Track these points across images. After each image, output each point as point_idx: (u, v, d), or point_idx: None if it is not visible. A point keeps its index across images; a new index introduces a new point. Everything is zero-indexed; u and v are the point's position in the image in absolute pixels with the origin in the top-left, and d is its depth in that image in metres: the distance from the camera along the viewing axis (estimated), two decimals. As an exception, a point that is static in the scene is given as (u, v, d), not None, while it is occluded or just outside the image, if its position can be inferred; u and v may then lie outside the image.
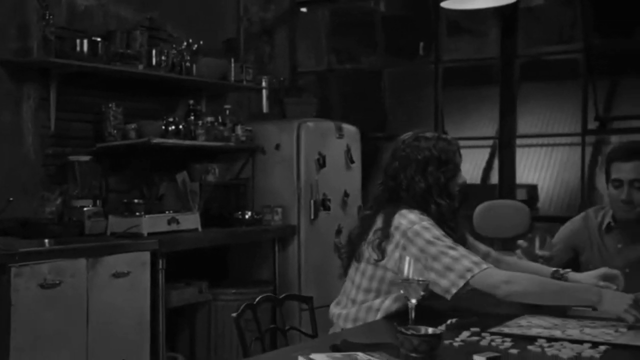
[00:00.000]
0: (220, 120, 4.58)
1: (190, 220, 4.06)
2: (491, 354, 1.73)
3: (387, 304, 2.21)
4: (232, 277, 4.76)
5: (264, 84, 5.03)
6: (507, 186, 5.34)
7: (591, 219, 2.63)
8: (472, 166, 5.83)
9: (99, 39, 3.79)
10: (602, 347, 1.82)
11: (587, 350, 1.79)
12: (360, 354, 1.65)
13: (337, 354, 1.66)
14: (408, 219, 2.15)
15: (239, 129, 4.62)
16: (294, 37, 5.83)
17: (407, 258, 1.96)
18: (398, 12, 5.85)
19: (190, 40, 4.36)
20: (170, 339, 4.02)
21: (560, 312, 2.24)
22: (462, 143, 6.58)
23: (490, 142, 5.65)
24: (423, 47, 5.66)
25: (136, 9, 4.34)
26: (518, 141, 5.30)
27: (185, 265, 4.09)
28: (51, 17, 3.59)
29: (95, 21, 4.05)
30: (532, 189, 5.68)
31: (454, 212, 2.22)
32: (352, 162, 5.10)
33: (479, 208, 4.88)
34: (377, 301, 2.23)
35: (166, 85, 4.37)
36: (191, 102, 4.40)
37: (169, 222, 3.88)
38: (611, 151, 2.61)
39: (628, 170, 2.46)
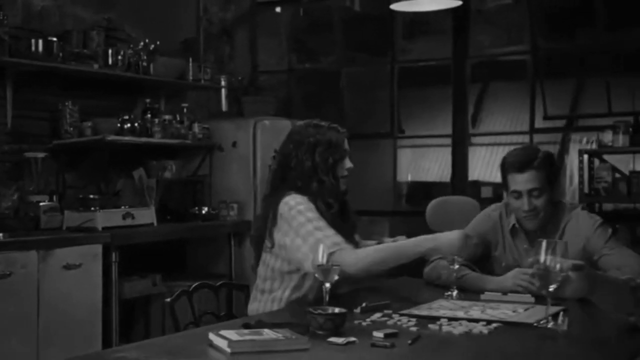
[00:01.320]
0: (178, 118, 4.74)
1: (146, 215, 4.21)
2: (389, 331, 1.91)
3: (287, 294, 2.39)
4: (190, 271, 4.92)
5: (222, 83, 5.19)
6: (460, 183, 5.55)
7: (503, 218, 2.76)
8: (437, 164, 6.03)
9: (54, 39, 3.93)
10: (494, 325, 2.01)
11: (478, 327, 1.97)
12: (266, 330, 1.81)
13: (245, 331, 1.83)
14: (288, 205, 2.34)
15: (196, 127, 4.77)
16: (254, 37, 5.99)
17: (322, 245, 2.14)
18: (356, 13, 6.02)
19: (147, 40, 4.50)
20: (126, 330, 4.16)
21: (475, 297, 2.44)
22: (420, 141, 6.76)
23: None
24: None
25: (94, 9, 4.47)
26: (477, 140, 5.51)
27: (143, 260, 4.25)
28: (6, 17, 3.73)
29: (52, 21, 4.19)
30: (498, 187, 5.90)
31: (336, 191, 2.40)
32: (309, 159, 5.27)
33: (431, 204, 5.06)
34: (279, 292, 2.40)
35: (124, 84, 4.51)
36: (148, 100, 4.55)
37: (124, 217, 4.03)
38: (505, 162, 2.63)
39: (524, 182, 2.54)
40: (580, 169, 4.66)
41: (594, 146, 4.63)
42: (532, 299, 2.40)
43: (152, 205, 4.33)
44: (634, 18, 4.90)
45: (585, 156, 4.67)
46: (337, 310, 1.96)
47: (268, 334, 1.78)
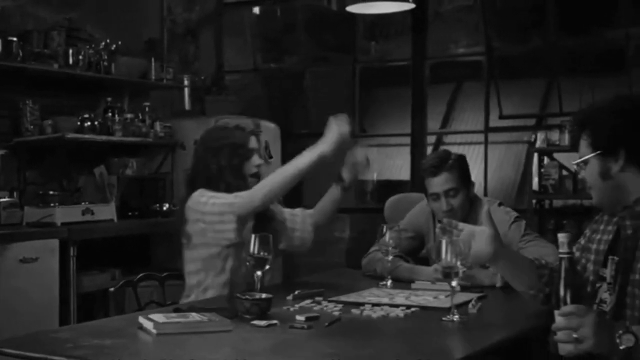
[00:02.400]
0: (140, 117, 4.85)
1: (106, 211, 4.32)
2: (311, 314, 2.05)
3: (213, 280, 2.53)
4: (153, 266, 5.03)
5: (185, 82, 5.30)
6: (420, 180, 5.69)
7: (432, 212, 2.92)
8: (402, 162, 6.18)
9: (14, 39, 4.03)
10: (412, 310, 2.15)
11: (396, 312, 2.11)
12: (193, 314, 1.94)
13: (173, 314, 1.96)
14: (192, 199, 2.49)
15: (157, 126, 4.88)
16: (220, 37, 6.11)
17: (253, 235, 2.27)
18: (320, 14, 6.16)
19: (108, 40, 4.61)
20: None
21: (407, 286, 2.59)
22: (385, 140, 6.89)
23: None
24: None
25: (55, 9, 4.57)
26: (449, 139, 5.68)
27: (105, 255, 4.35)
28: (-34, 17, 3.83)
29: (13, 21, 4.28)
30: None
31: (244, 190, 2.52)
32: (271, 157, 5.39)
33: (389, 201, 5.20)
34: (207, 280, 2.55)
35: (86, 83, 4.61)
36: (109, 99, 4.65)
37: (83, 213, 4.14)
38: (422, 168, 2.82)
39: (439, 184, 2.72)
40: (529, 166, 4.83)
41: (544, 145, 4.80)
42: (458, 287, 2.55)
43: (112, 202, 4.44)
44: (583, 21, 5.08)
45: (536, 154, 4.84)
46: (264, 295, 2.10)
47: (194, 317, 1.91)
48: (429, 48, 5.55)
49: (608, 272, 1.90)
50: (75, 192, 4.49)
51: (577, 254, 2.00)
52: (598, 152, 1.89)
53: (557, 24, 5.24)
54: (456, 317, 2.00)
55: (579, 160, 1.96)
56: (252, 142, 2.64)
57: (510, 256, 2.04)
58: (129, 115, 4.76)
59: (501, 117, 5.43)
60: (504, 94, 5.37)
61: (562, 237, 1.59)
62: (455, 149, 2.97)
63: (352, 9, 4.47)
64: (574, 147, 2.01)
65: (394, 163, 6.23)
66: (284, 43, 6.31)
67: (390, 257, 2.69)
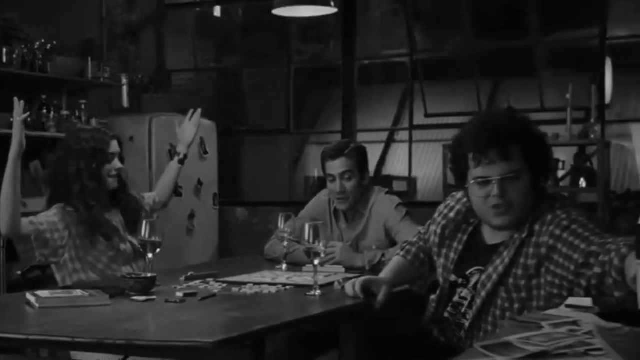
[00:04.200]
0: (77, 114, 4.97)
1: (38, 204, 4.43)
2: (189, 291, 2.23)
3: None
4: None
5: (123, 81, 5.44)
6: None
7: (331, 203, 3.12)
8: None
9: (-53, 38, 4.13)
10: (285, 287, 2.34)
11: (269, 289, 2.31)
12: (77, 290, 2.11)
13: (59, 291, 2.12)
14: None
15: (93, 122, 5.00)
16: (161, 37, 6.25)
17: (144, 222, 2.44)
18: (257, 16, 6.33)
19: (43, 40, 4.73)
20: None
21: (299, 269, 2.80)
22: (324, 138, 7.04)
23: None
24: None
25: (-8, 10, 4.68)
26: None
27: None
28: None
29: (-53, 21, 4.39)
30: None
31: (101, 192, 2.69)
32: (206, 153, 5.55)
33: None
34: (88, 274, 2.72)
35: (22, 82, 4.72)
36: (44, 97, 4.77)
37: (16, 205, 4.26)
38: (322, 153, 3.03)
39: (337, 167, 2.94)
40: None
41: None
42: (343, 269, 2.77)
43: (46, 195, 4.55)
44: (497, 28, 5.34)
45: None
46: (149, 275, 2.27)
47: (76, 293, 2.08)
48: (358, 50, 5.76)
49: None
50: (10, 186, 4.59)
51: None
52: None
53: (475, 29, 5.49)
54: (318, 292, 2.19)
55: None
56: (113, 147, 2.77)
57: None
58: (65, 112, 4.88)
59: (426, 115, 5.66)
60: (430, 93, 5.61)
61: None
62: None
63: (278, 12, 4.66)
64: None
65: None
66: (223, 44, 6.48)
67: (286, 243, 2.88)
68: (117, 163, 2.76)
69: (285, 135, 6.14)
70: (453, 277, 2.05)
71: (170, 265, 4.94)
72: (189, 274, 2.57)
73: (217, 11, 6.44)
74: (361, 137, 5.88)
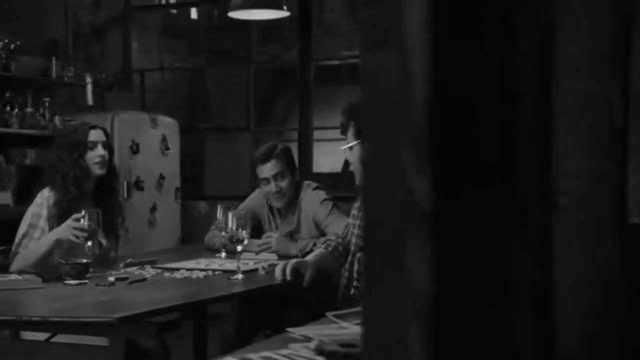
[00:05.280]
0: (41, 111, 5.04)
1: (3, 197, 4.52)
2: (121, 275, 2.34)
3: None
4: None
5: (88, 80, 5.50)
6: (306, 173, 6.02)
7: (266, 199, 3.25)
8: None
9: None
10: (214, 273, 2.45)
11: (198, 274, 2.42)
12: (14, 275, 2.20)
13: (-4, 275, 2.22)
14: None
15: (57, 119, 5.08)
16: (127, 38, 6.32)
17: (83, 211, 2.54)
18: (218, 18, 6.42)
19: (7, 40, 4.78)
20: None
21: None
22: (285, 136, 7.10)
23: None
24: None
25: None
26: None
27: (3, 237, 4.54)
28: None
29: None
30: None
31: (82, 180, 2.79)
32: (168, 149, 5.64)
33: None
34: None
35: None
36: (7, 94, 4.83)
37: (-22, 199, 4.34)
38: (254, 157, 3.19)
39: (268, 170, 3.07)
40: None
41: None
42: (275, 257, 2.88)
43: (9, 189, 4.62)
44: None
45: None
46: (84, 260, 2.37)
47: (11, 277, 2.17)
48: (314, 51, 5.87)
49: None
50: (-25, 180, 4.66)
51: (356, 229, 2.33)
52: (360, 140, 2.23)
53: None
54: (240, 276, 2.30)
55: (346, 146, 2.28)
56: (92, 136, 2.87)
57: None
58: (29, 110, 4.94)
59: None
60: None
61: None
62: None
63: (234, 14, 4.76)
64: (343, 134, 2.34)
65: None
66: (188, 44, 6.56)
67: (224, 233, 2.98)
68: (99, 150, 2.85)
69: (246, 133, 6.23)
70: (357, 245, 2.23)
71: (132, 256, 5.07)
72: (128, 260, 2.68)
73: (182, 13, 6.52)
74: (318, 134, 5.99)
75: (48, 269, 2.40)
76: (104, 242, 2.65)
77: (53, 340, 2.03)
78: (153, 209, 5.49)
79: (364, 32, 0.46)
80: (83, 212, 2.51)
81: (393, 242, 0.45)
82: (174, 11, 6.55)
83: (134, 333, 1.67)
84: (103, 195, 2.86)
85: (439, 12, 0.44)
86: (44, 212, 2.68)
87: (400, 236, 0.44)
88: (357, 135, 2.25)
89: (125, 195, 5.26)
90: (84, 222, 2.50)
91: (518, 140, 0.48)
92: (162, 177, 5.58)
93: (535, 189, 0.49)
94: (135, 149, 5.35)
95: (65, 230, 2.47)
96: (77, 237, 2.41)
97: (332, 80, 6.06)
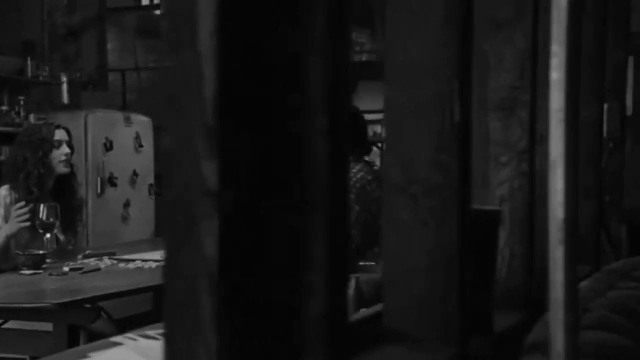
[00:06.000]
0: (16, 109, 5.07)
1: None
2: (76, 266, 2.39)
3: None
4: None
5: (63, 79, 5.54)
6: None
7: None
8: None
9: None
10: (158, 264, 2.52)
11: (151, 264, 2.48)
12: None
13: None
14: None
15: (32, 117, 5.11)
16: (103, 38, 6.35)
17: (41, 205, 2.59)
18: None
19: (-18, 41, 4.82)
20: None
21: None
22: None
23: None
24: None
25: None
26: None
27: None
28: None
29: None
30: None
31: (46, 178, 2.83)
32: (141, 146, 5.68)
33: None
34: None
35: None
36: (-18, 93, 4.87)
37: (-48, 194, 4.35)
38: None
39: None
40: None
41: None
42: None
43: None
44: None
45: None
46: (41, 252, 2.42)
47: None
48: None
49: None
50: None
51: None
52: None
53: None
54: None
55: None
56: (58, 135, 2.91)
57: None
58: (4, 108, 4.98)
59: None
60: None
61: None
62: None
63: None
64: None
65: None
66: (162, 45, 6.60)
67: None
68: (65, 148, 2.88)
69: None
70: None
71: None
72: (87, 252, 2.73)
73: (157, 14, 6.57)
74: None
75: (6, 260, 2.44)
76: (61, 237, 2.70)
77: (5, 326, 2.09)
78: (126, 204, 5.53)
79: (165, 37, 0.53)
80: (41, 206, 2.56)
81: (189, 218, 0.52)
82: (149, 12, 6.59)
83: (74, 318, 1.73)
84: (64, 193, 2.90)
85: (225, 23, 0.51)
86: (0, 211, 2.71)
87: (195, 213, 0.51)
88: None
89: (98, 191, 5.31)
90: (42, 215, 2.55)
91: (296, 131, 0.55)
92: (135, 173, 5.62)
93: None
94: (108, 146, 5.39)
95: (12, 224, 2.52)
96: (22, 221, 2.44)
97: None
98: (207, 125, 0.49)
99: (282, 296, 0.52)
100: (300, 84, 0.53)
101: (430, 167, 0.83)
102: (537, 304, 1.00)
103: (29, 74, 5.20)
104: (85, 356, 0.86)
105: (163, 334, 0.52)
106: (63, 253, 2.65)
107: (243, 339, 0.50)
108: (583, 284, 1.39)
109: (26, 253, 2.41)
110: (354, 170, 2.25)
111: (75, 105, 5.65)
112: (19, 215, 2.49)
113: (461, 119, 0.82)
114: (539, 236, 1.13)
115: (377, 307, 0.91)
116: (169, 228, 0.52)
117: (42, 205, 2.59)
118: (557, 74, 0.58)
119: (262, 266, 0.51)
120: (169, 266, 0.51)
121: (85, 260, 2.61)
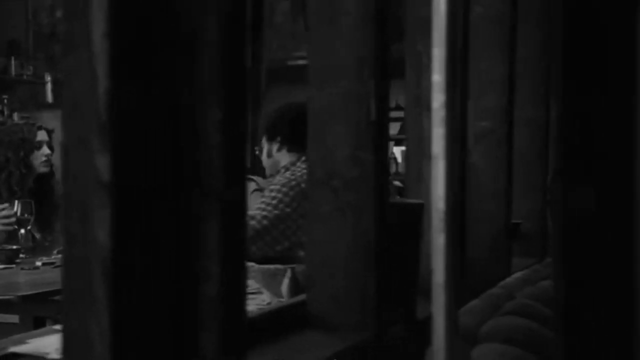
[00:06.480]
0: (0, 108, 5.07)
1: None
2: (48, 260, 2.40)
3: None
4: None
5: (48, 78, 5.54)
6: (261, 171, 6.12)
7: None
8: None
9: None
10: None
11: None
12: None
13: None
14: None
15: (15, 116, 5.11)
16: (88, 40, 6.36)
17: (16, 201, 2.60)
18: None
19: (-35, 41, 4.81)
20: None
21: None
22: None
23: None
24: None
25: None
26: None
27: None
28: None
29: None
30: None
31: (27, 179, 2.85)
32: (125, 145, 5.70)
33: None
34: None
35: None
36: (-35, 92, 4.87)
37: None
38: None
39: None
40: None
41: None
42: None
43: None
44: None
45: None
46: (14, 247, 2.43)
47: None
48: (266, 53, 5.95)
49: None
50: None
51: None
52: (265, 138, 2.40)
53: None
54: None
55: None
56: (40, 135, 2.91)
57: None
58: (-12, 106, 4.98)
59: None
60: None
61: None
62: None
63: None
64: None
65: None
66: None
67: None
68: (45, 149, 2.88)
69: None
70: None
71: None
72: (56, 251, 2.74)
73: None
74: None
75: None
76: (37, 235, 2.72)
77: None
78: (110, 202, 5.55)
79: (62, 39, 0.56)
80: (16, 202, 2.58)
81: (84, 208, 0.54)
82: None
83: (39, 311, 1.75)
84: (42, 192, 2.90)
85: (117, 25, 0.54)
86: None
87: (89, 203, 0.54)
88: (268, 137, 2.41)
89: (82, 189, 5.32)
90: (17, 211, 2.56)
91: (185, 125, 0.58)
92: (119, 171, 5.64)
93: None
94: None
95: None
96: (5, 225, 2.47)
97: (285, 81, 6.14)
98: (100, 121, 0.52)
99: (173, 280, 0.55)
100: (192, 81, 0.56)
101: (349, 163, 0.87)
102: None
103: (13, 73, 5.21)
104: (24, 342, 0.89)
105: (61, 318, 0.54)
106: (39, 249, 2.67)
107: (133, 318, 0.53)
108: (519, 275, 1.43)
109: (0, 248, 2.43)
110: (300, 166, 2.28)
111: (59, 104, 5.64)
112: (2, 217, 2.51)
113: (377, 118, 0.85)
114: (468, 228, 1.16)
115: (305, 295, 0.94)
116: (65, 218, 0.54)
117: (16, 201, 2.60)
118: (437, 76, 0.61)
119: (153, 252, 0.54)
120: (67, 254, 0.54)
121: (60, 256, 2.62)
